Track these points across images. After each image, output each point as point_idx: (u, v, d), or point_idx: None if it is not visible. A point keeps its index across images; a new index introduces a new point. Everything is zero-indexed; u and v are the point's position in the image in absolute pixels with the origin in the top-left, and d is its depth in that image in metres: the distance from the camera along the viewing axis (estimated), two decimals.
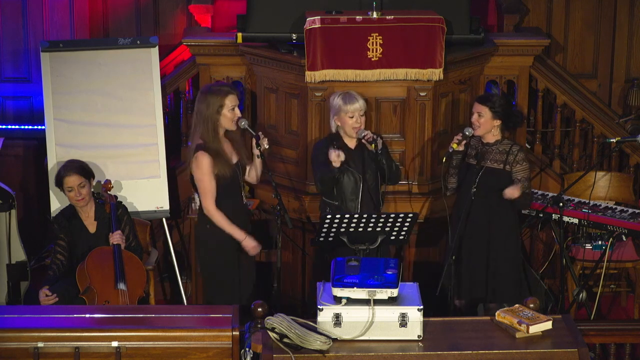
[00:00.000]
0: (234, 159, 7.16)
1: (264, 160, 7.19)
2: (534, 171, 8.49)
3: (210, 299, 7.27)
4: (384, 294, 5.79)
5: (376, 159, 7.19)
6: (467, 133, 7.28)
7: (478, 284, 7.42)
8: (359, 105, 7.23)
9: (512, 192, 7.26)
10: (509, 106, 7.53)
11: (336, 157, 7.16)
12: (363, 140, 7.21)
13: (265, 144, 7.12)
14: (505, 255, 7.39)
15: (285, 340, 5.74)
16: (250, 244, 7.11)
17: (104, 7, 9.26)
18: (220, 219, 7.07)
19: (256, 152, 7.15)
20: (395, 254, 7.75)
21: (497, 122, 7.35)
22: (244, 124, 7.08)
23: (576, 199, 7.97)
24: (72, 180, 7.17)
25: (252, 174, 7.32)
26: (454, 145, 7.25)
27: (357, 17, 7.63)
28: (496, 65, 8.27)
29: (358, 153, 7.29)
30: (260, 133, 7.16)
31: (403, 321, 5.78)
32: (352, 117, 7.23)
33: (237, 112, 7.09)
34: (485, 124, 7.32)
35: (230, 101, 7.05)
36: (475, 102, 7.39)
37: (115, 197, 7.38)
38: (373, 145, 7.14)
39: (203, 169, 7.01)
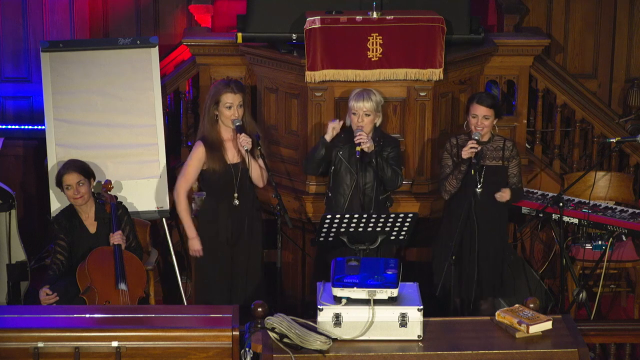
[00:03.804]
0: (234, 159, 7.19)
1: (264, 160, 7.21)
2: (534, 171, 8.49)
3: (200, 294, 7.42)
4: (384, 294, 5.79)
5: (370, 161, 7.19)
6: (477, 138, 7.24)
7: (476, 282, 7.42)
8: (362, 104, 7.22)
9: (502, 195, 7.30)
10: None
11: (331, 128, 7.28)
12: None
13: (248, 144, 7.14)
14: (496, 251, 7.41)
15: (285, 340, 5.74)
16: (193, 246, 7.32)
17: (104, 7, 9.26)
18: (182, 207, 7.30)
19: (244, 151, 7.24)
20: (395, 254, 7.74)
21: (495, 120, 7.36)
22: (237, 123, 7.15)
23: (576, 199, 7.96)
24: (71, 177, 7.17)
25: (253, 174, 7.30)
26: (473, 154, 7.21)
27: (357, 17, 7.63)
28: (496, 65, 8.26)
29: (362, 152, 7.28)
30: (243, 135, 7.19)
31: (403, 321, 5.78)
32: (355, 114, 7.24)
33: (236, 111, 7.16)
34: (489, 125, 7.31)
35: (228, 98, 7.14)
36: (477, 104, 7.26)
37: (116, 197, 7.38)
38: (358, 147, 7.15)
39: (193, 155, 7.25)
